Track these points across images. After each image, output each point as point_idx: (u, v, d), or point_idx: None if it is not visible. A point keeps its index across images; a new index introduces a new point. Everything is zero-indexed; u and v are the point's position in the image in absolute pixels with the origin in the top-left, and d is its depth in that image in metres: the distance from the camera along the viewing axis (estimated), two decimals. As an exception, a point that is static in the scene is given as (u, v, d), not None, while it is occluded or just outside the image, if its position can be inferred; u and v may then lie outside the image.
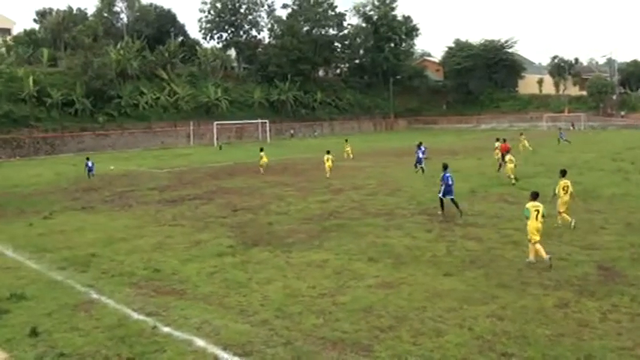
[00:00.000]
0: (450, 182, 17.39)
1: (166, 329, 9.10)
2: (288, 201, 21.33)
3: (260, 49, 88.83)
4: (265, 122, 71.68)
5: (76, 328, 9.29)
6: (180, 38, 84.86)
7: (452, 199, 17.45)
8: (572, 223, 14.96)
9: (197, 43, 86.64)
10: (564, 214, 15.27)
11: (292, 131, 77.96)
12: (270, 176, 30.07)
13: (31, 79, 57.89)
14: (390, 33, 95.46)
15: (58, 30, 74.24)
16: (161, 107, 68.65)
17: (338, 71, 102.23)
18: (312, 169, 33.77)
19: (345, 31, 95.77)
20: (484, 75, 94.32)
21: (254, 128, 73.10)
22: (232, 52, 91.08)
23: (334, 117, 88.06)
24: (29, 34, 76.54)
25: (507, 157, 25.19)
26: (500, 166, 27.96)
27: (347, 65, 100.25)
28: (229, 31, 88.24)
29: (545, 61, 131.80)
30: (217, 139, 65.01)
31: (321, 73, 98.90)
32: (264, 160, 32.29)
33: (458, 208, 17.30)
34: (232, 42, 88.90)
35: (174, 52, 75.56)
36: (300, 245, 14.21)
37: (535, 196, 12.45)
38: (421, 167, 29.35)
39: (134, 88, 67.52)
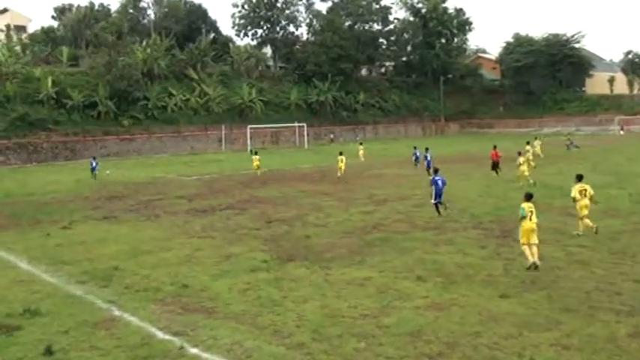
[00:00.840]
0: (440, 185, 19.65)
1: (194, 350, 9.16)
2: (327, 212, 21.34)
3: (298, 47, 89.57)
4: (303, 126, 72.12)
5: (95, 347, 9.38)
6: (212, 35, 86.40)
7: (438, 202, 19.64)
8: (595, 229, 15.75)
9: (230, 40, 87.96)
10: (586, 220, 16.03)
11: (332, 135, 78.13)
12: (308, 185, 30.16)
13: (49, 79, 59.50)
14: (440, 27, 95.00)
15: (78, 27, 76.51)
16: (191, 109, 69.84)
17: (383, 70, 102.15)
18: (353, 177, 33.73)
19: (391, 26, 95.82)
20: (547, 73, 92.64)
21: (290, 132, 73.57)
22: (268, 50, 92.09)
23: (378, 120, 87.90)
24: (47, 31, 78.97)
25: (519, 160, 27.91)
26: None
27: (393, 63, 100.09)
28: (265, 27, 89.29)
29: (618, 57, 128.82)
30: (251, 143, 65.58)
31: (364, 72, 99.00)
32: (257, 163, 35.78)
33: (438, 213, 19.60)
34: (268, 39, 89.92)
35: (205, 50, 76.82)
36: (340, 261, 14.17)
37: (529, 197, 13.60)
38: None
39: (162, 89, 68.91)
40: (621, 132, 73.25)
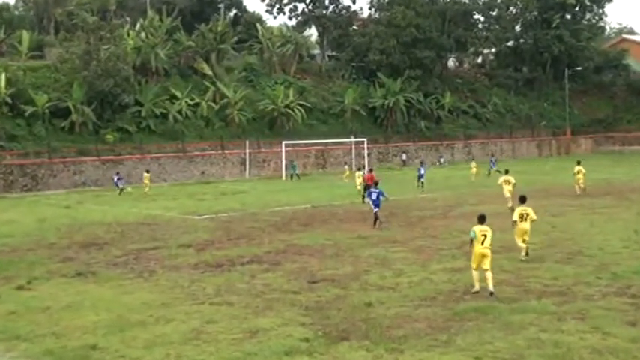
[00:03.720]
0: (375, 197, 29.78)
1: None
2: (398, 268, 21.22)
3: (355, 28, 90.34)
4: (363, 142, 72.35)
5: None
6: (233, 12, 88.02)
7: (376, 213, 29.63)
8: (523, 253, 21.98)
9: (258, 19, 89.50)
10: (520, 244, 22.19)
11: (404, 156, 78.13)
12: (369, 228, 30.04)
13: (2, 76, 61.08)
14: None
15: (45, 5, 78.78)
16: (201, 119, 70.96)
17: (479, 60, 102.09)
18: (436, 216, 33.44)
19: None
20: None
21: (345, 151, 73.84)
22: (312, 33, 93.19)
23: (472, 134, 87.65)
24: (0, 10, 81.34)
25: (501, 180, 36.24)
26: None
27: (494, 51, 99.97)
28: (308, 1, 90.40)
29: None
30: (287, 167, 66.08)
31: (451, 63, 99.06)
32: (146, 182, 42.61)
33: (375, 223, 29.46)
34: (312, 17, 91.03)
35: (223, 34, 78.12)
36: (417, 341, 14.02)
37: (481, 220, 17.81)
38: (421, 182, 48.37)
39: (161, 90, 70.37)
40: None
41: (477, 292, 17.23)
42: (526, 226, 22.16)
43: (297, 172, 63.26)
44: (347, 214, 35.90)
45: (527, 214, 22.25)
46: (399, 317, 15.80)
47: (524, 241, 22.18)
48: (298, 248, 25.61)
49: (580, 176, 42.12)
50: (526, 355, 13.03)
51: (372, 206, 29.85)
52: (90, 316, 16.67)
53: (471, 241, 17.64)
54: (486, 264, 17.30)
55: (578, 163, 43.44)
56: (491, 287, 17.16)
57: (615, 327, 14.57)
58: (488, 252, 17.34)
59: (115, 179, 53.02)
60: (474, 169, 57.36)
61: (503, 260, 21.92)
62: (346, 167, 63.83)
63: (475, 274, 17.27)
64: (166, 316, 16.48)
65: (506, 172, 38.07)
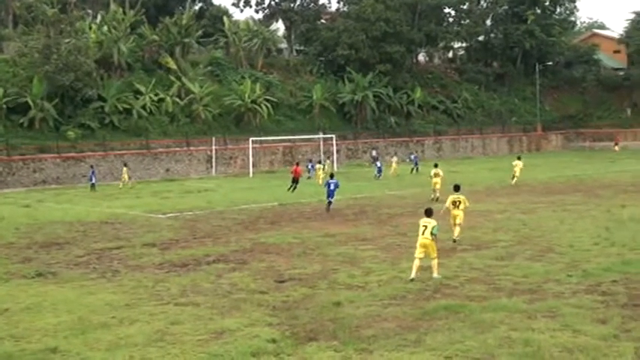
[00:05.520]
0: (332, 188, 34.59)
1: None
2: (367, 267, 21.30)
3: (323, 21, 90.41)
4: (331, 138, 72.50)
5: None
6: (199, 5, 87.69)
7: (329, 202, 34.66)
8: (455, 240, 24.67)
9: (224, 12, 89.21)
10: (457, 228, 24.95)
11: (374, 153, 78.28)
12: (338, 226, 30.14)
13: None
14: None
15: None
16: (166, 115, 70.69)
17: (450, 55, 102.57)
18: (405, 214, 33.61)
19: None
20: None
21: (313, 148, 73.99)
22: (279, 27, 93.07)
23: (442, 129, 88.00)
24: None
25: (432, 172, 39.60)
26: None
27: (464, 45, 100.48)
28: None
29: None
30: (254, 164, 66.04)
31: (421, 58, 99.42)
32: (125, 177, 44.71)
33: (328, 210, 34.41)
34: (279, 11, 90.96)
35: (187, 27, 77.83)
36: (387, 341, 14.07)
37: (427, 213, 19.81)
38: (417, 168, 57.58)
39: (124, 86, 70.01)
40: (616, 148, 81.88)
41: (412, 279, 18.81)
42: (457, 212, 24.94)
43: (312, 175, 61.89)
44: (315, 212, 35.95)
45: (460, 201, 25.01)
46: (368, 317, 15.84)
47: (455, 225, 25.08)
48: (265, 247, 25.61)
49: (517, 169, 47.38)
50: (496, 354, 13.12)
51: (327, 196, 34.80)
52: (50, 318, 16.53)
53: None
54: (431, 253, 19.07)
55: (519, 158, 49.92)
56: (435, 274, 19.04)
57: (586, 325, 14.72)
58: (426, 242, 19.01)
59: (90, 174, 54.10)
60: (394, 165, 60.69)
61: (473, 258, 22.11)
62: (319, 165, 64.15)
63: (416, 262, 19.11)
64: (130, 318, 16.39)
65: (436, 165, 41.30)
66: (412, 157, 65.64)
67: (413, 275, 18.90)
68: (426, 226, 19.16)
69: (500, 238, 25.69)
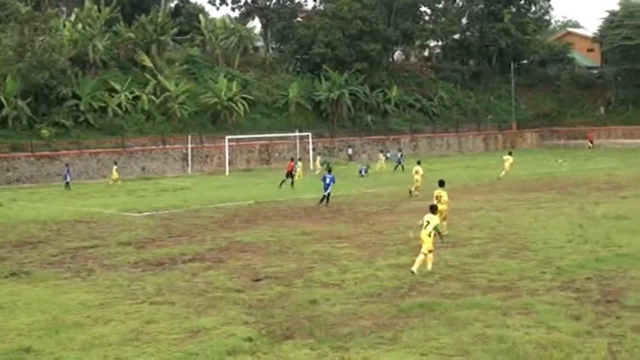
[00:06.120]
0: (328, 182, 36.21)
1: None
2: (343, 265, 21.29)
3: (300, 19, 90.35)
4: (307, 136, 72.57)
5: None
6: (174, 3, 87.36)
7: (325, 195, 36.16)
8: (444, 232, 23.88)
9: (200, 10, 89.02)
10: (443, 222, 24.56)
11: (350, 150, 78.45)
12: (314, 224, 30.14)
13: None
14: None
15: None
16: (142, 113, 70.39)
17: (426, 54, 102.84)
18: (381, 212, 33.67)
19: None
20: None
21: (289, 146, 73.99)
22: (256, 25, 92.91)
23: (419, 128, 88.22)
24: None
25: (414, 170, 40.59)
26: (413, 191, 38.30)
27: (440, 43, 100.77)
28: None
29: None
30: (230, 162, 65.95)
31: (397, 56, 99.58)
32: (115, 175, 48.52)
33: (321, 202, 36.19)
34: (255, 8, 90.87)
35: (163, 25, 77.57)
36: (363, 339, 14.07)
37: (432, 210, 20.53)
38: (402, 165, 58.56)
39: (99, 83, 69.63)
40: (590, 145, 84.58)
41: (427, 272, 19.41)
42: (441, 207, 24.68)
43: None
44: (291, 210, 35.93)
45: (441, 196, 25.58)
46: (344, 315, 15.87)
47: (442, 219, 24.83)
48: (241, 245, 25.55)
49: (507, 164, 49.76)
50: (471, 350, 13.17)
51: (324, 189, 36.52)
52: (24, 318, 16.41)
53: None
54: (424, 248, 19.47)
55: (510, 153, 52.79)
56: (414, 267, 19.26)
57: (559, 321, 14.81)
58: (425, 237, 19.48)
59: (65, 172, 53.98)
60: (382, 162, 62.59)
61: (448, 256, 22.15)
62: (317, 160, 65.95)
63: (420, 257, 19.39)
64: (104, 317, 16.31)
65: (418, 163, 42.05)
66: (398, 154, 65.54)
67: (429, 268, 19.62)
68: (428, 222, 19.64)
69: (476, 235, 25.79)
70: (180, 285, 19.46)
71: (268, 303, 17.17)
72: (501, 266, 20.29)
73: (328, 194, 36.37)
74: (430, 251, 19.64)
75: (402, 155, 64.58)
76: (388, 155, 66.25)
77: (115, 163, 57.81)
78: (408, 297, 17.26)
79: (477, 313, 15.61)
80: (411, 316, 15.61)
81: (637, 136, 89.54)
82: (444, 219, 25.31)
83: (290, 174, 48.07)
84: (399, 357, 13.02)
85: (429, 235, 19.54)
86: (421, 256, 19.43)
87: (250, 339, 14.27)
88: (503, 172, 49.34)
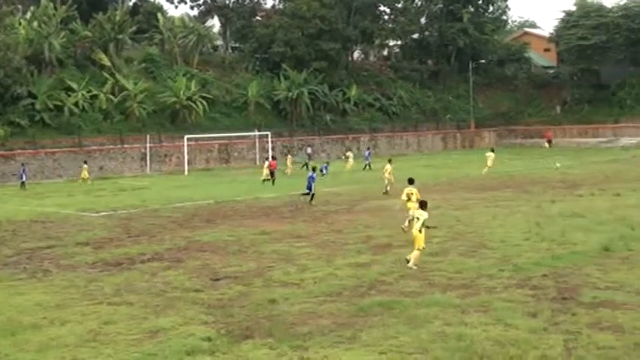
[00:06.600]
0: (311, 182, 36.65)
1: None
2: (302, 264, 21.31)
3: (259, 18, 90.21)
4: (267, 135, 72.48)
5: None
6: (132, 1, 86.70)
7: (306, 193, 36.56)
8: (406, 225, 25.31)
9: (159, 8, 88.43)
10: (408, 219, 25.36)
11: (309, 149, 78.42)
12: (273, 223, 30.12)
13: None
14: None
15: None
16: (99, 112, 69.80)
17: (385, 53, 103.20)
18: (340, 211, 33.75)
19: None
20: (626, 57, 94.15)
21: (248, 145, 73.85)
22: (215, 24, 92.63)
23: (378, 127, 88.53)
24: None
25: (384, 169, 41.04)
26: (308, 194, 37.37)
27: (399, 43, 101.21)
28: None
29: None
30: (189, 161, 65.68)
31: (357, 55, 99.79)
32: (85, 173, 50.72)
33: (311, 200, 36.25)
34: (214, 7, 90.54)
35: (121, 23, 76.88)
36: (322, 338, 14.10)
37: (421, 205, 20.87)
38: (369, 164, 59.77)
39: (56, 82, 68.82)
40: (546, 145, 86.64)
41: (407, 260, 20.27)
42: (411, 204, 25.82)
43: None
44: (250, 209, 35.88)
45: (412, 194, 26.53)
46: (304, 314, 15.88)
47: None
48: (200, 245, 25.48)
49: (489, 161, 51.98)
50: (430, 348, 13.25)
51: (308, 187, 36.89)
52: (-21, 320, 16.24)
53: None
54: (415, 244, 20.19)
55: (492, 150, 55.07)
56: (411, 263, 20.06)
57: (517, 319, 14.97)
58: (415, 232, 20.20)
59: (20, 172, 53.74)
60: (351, 160, 63.95)
61: (407, 254, 22.25)
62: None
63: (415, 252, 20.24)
64: (61, 318, 16.16)
65: (389, 161, 43.57)
66: (365, 153, 66.03)
67: (410, 259, 20.18)
68: (418, 218, 20.26)
69: (434, 234, 25.85)
70: (139, 285, 19.35)
71: (227, 303, 17.14)
72: (460, 264, 20.45)
73: (312, 192, 37.03)
74: (422, 248, 20.22)
75: (369, 154, 64.94)
76: (350, 154, 66.47)
77: (85, 162, 58.01)
78: (368, 296, 17.32)
79: (436, 311, 15.71)
80: (370, 314, 15.67)
81: (592, 135, 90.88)
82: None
83: (272, 172, 49.13)
84: (358, 356, 13.06)
85: (420, 232, 20.02)
86: (416, 252, 20.05)
87: (209, 339, 14.24)
88: (486, 169, 51.28)
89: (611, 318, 14.85)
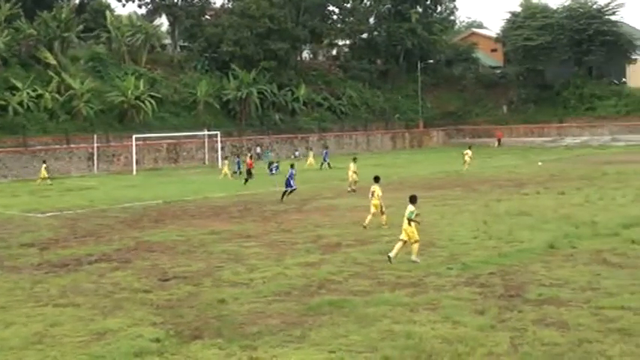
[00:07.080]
0: (291, 179, 37.46)
1: None
2: (251, 264, 21.26)
3: (208, 17, 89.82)
4: (216, 135, 72.27)
5: None
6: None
7: (285, 191, 37.51)
8: (366, 222, 27.11)
9: (106, 7, 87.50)
10: (369, 217, 27.15)
11: (259, 149, 78.37)
12: (222, 223, 30.04)
13: None
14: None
15: None
16: (45, 111, 68.87)
17: (334, 53, 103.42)
18: (290, 210, 33.75)
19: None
20: (570, 58, 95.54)
21: (197, 145, 73.49)
22: (163, 22, 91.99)
23: (327, 126, 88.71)
24: None
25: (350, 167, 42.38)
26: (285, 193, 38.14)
27: (348, 42, 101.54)
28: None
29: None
30: (137, 161, 65.19)
31: (306, 55, 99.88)
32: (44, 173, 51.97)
33: (282, 198, 37.06)
34: (163, 6, 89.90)
35: (67, 21, 76.04)
36: (271, 337, 14.09)
37: (410, 200, 21.10)
38: (327, 163, 61.02)
39: (0, 81, 67.73)
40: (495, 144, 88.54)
41: (388, 257, 20.50)
42: (374, 201, 27.14)
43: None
44: (199, 209, 35.73)
45: (374, 191, 27.24)
46: (253, 313, 15.86)
47: (373, 213, 27.30)
48: (149, 245, 25.30)
49: (467, 158, 53.42)
50: (379, 347, 13.30)
51: (286, 185, 37.79)
52: None
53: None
54: (409, 237, 20.61)
55: (469, 148, 56.96)
56: (413, 256, 20.55)
57: (465, 316, 15.10)
58: (405, 226, 20.61)
59: None
60: (311, 159, 65.17)
61: (357, 254, 22.35)
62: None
63: (399, 244, 20.74)
64: (5, 320, 15.93)
65: (354, 159, 44.76)
66: (323, 152, 66.41)
67: (391, 254, 20.47)
68: (412, 212, 20.81)
69: (384, 233, 26.04)
70: (86, 286, 19.15)
71: (176, 303, 17.05)
72: (409, 263, 20.54)
73: (291, 190, 38.05)
74: (416, 241, 20.60)
75: (327, 153, 65.33)
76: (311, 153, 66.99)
77: (44, 162, 57.25)
78: (317, 295, 17.34)
79: (385, 309, 15.78)
80: (319, 313, 15.69)
81: (538, 135, 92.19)
82: (382, 213, 27.28)
83: (249, 171, 49.47)
84: (307, 355, 13.07)
85: (410, 225, 20.54)
86: (414, 245, 20.57)
87: (158, 340, 14.15)
88: (466, 166, 52.94)
89: (556, 315, 15.06)
